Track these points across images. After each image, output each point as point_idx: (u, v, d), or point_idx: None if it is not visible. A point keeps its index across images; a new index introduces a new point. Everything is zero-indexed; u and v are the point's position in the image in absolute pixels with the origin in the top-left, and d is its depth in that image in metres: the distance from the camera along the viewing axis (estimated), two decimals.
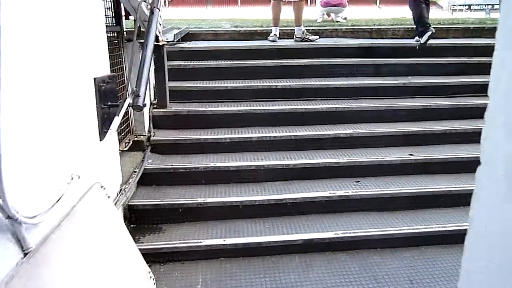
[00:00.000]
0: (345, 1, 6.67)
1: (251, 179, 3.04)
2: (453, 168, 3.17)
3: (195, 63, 4.01)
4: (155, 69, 3.41)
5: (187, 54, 4.18)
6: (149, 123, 3.40)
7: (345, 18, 6.72)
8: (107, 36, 2.83)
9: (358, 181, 3.05)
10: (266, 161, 3.11)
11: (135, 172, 2.85)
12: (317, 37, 4.73)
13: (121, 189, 2.55)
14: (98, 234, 1.86)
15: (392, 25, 5.51)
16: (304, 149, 3.30)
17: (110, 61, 2.68)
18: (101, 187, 2.05)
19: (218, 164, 3.04)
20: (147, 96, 3.41)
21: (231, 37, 4.94)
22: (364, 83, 3.93)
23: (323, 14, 6.68)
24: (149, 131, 3.36)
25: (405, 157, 3.19)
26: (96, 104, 2.14)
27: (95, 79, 2.12)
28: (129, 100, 2.24)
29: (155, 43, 3.24)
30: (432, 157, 3.20)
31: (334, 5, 6.64)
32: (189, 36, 4.86)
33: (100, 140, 2.18)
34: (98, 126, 2.16)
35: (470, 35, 5.23)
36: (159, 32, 3.30)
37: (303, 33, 4.67)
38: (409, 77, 4.12)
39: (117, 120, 2.19)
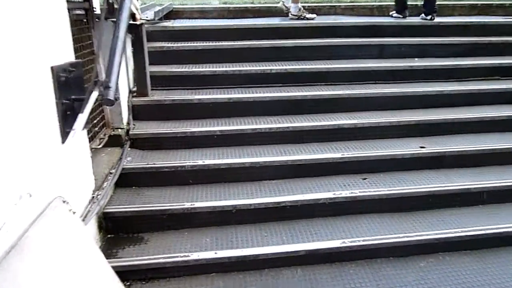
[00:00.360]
0: None
1: (245, 178, 2.68)
2: (470, 162, 2.86)
3: (179, 44, 3.58)
4: (133, 52, 2.99)
5: (171, 34, 3.74)
6: (128, 114, 3.00)
7: None
8: (73, 14, 2.40)
9: (365, 178, 2.72)
10: (262, 156, 2.75)
11: (111, 173, 2.47)
12: (315, 15, 4.32)
13: (93, 197, 2.18)
14: (59, 264, 1.50)
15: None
16: (304, 142, 2.95)
17: (75, 44, 2.28)
18: (64, 201, 1.67)
19: (207, 162, 2.67)
20: (125, 83, 3.01)
21: (219, 15, 4.49)
22: (367, 66, 3.56)
23: None
24: (128, 124, 2.96)
25: (416, 150, 2.86)
26: (56, 99, 1.74)
27: (52, 68, 1.71)
28: (96, 93, 1.83)
29: (132, 21, 2.82)
30: (446, 150, 2.87)
31: None
32: (172, 14, 4.40)
33: (62, 142, 1.79)
34: (59, 126, 1.77)
35: (477, 12, 4.86)
36: (136, 9, 2.87)
37: (299, 10, 4.24)
38: (416, 59, 3.76)
39: (82, 118, 1.79)
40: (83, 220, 1.98)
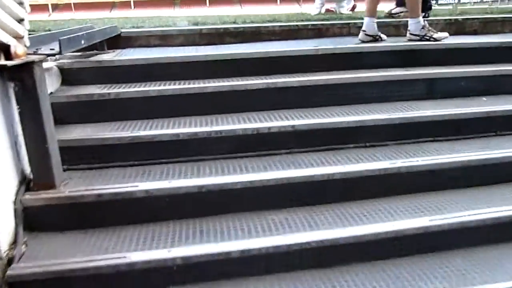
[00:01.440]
0: None
1: None
2: None
3: (121, 90, 2.25)
4: (20, 113, 1.65)
5: (110, 72, 2.40)
6: (15, 227, 1.63)
7: (352, 9, 5.00)
8: None
9: None
10: None
11: None
12: (447, 34, 2.98)
13: None
14: None
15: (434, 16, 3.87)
16: (333, 267, 1.62)
17: None
18: None
19: None
20: (9, 167, 1.66)
21: (188, 41, 3.17)
22: (413, 116, 2.26)
23: (322, 4, 4.93)
24: (12, 245, 1.58)
25: None
26: None
27: None
28: None
29: (3, 61, 1.50)
30: None
31: None
32: (121, 41, 3.07)
33: None
34: None
35: None
36: (20, 37, 1.54)
37: (423, 28, 2.93)
38: (484, 98, 2.52)
39: None
40: None
